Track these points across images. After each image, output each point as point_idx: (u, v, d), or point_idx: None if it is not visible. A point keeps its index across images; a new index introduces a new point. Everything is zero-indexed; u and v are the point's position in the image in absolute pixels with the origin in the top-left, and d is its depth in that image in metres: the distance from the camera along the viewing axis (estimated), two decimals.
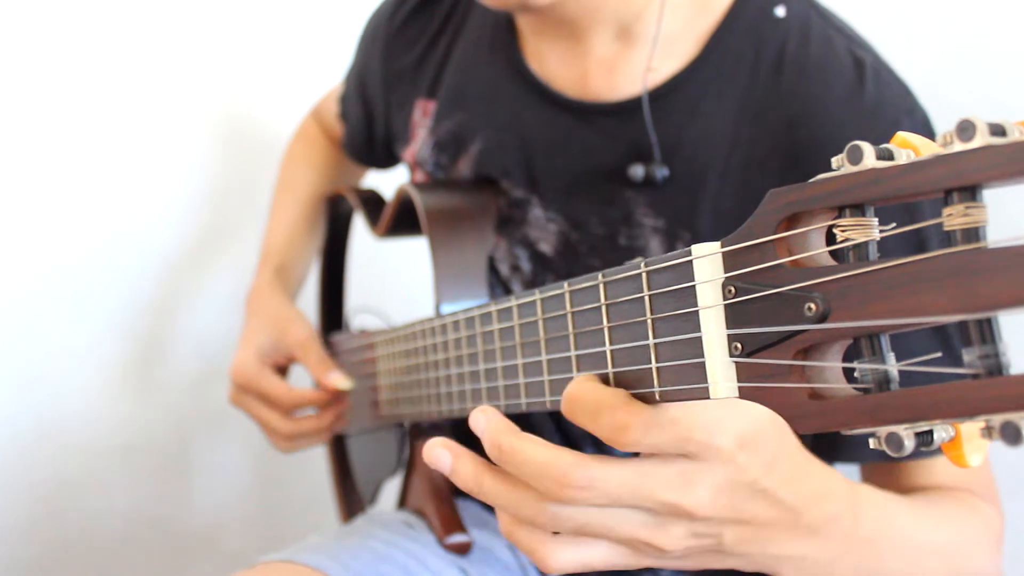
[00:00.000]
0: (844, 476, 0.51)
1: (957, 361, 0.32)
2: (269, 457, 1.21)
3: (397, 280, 1.28)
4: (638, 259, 0.44)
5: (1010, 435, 0.31)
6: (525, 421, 0.52)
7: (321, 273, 1.10)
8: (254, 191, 1.20)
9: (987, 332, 0.32)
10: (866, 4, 0.98)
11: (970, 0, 0.92)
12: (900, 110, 0.66)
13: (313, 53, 1.29)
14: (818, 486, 0.48)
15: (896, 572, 0.54)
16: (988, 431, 0.32)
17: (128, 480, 1.19)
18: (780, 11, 0.71)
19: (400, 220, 0.88)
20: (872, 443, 0.35)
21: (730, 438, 0.42)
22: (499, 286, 0.83)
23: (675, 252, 0.42)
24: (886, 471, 0.67)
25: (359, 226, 1.08)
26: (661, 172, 0.71)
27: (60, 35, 1.14)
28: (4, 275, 1.11)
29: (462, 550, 0.76)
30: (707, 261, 0.40)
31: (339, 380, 0.90)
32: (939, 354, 0.36)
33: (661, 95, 0.72)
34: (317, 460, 1.20)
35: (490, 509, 0.81)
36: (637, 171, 0.71)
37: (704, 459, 0.43)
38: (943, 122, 0.88)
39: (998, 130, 0.32)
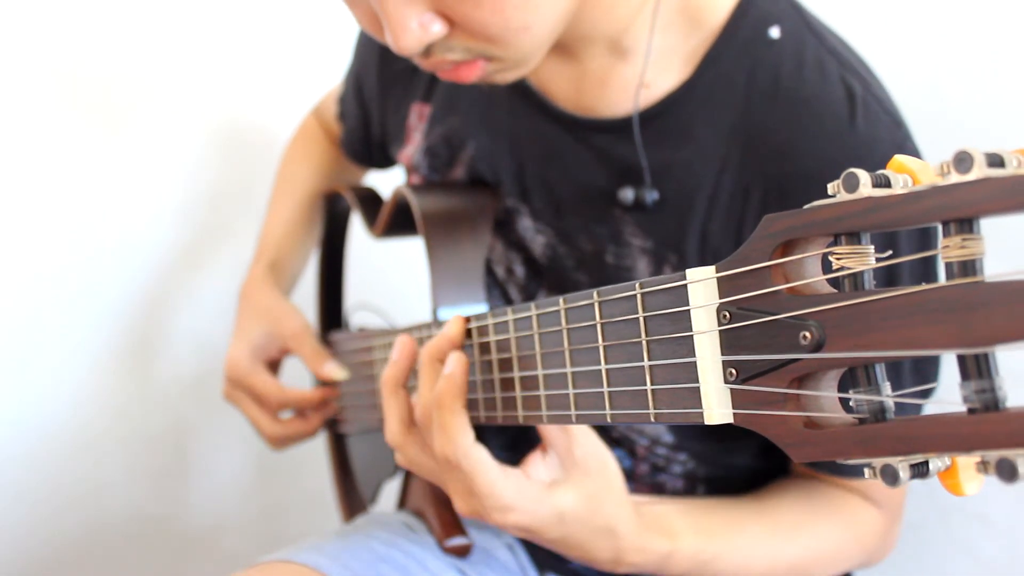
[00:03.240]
0: (667, 547, 0.65)
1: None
2: (269, 457, 1.21)
3: (396, 277, 1.28)
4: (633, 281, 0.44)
5: (1005, 472, 0.31)
6: None
7: (319, 270, 1.10)
8: (252, 190, 1.19)
9: (984, 366, 0.32)
10: (867, 4, 0.97)
11: (970, 0, 0.91)
12: (891, 146, 0.66)
13: (311, 54, 1.28)
14: (616, 556, 0.62)
15: None
16: (983, 465, 0.32)
17: (128, 480, 1.19)
18: (775, 32, 0.69)
19: (397, 221, 0.87)
20: (867, 473, 0.35)
21: (507, 520, 0.59)
22: (496, 288, 0.82)
23: (670, 275, 0.42)
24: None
25: (358, 223, 1.08)
26: (651, 196, 0.70)
27: (60, 36, 1.13)
28: (2, 275, 1.10)
29: (462, 552, 0.76)
30: (702, 286, 0.40)
31: (335, 371, 0.90)
32: (934, 384, 0.36)
33: (653, 116, 0.71)
34: (317, 460, 1.20)
35: None
36: (627, 194, 0.71)
37: (483, 510, 0.60)
38: (944, 121, 0.88)
39: (996, 161, 0.31)
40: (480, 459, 0.58)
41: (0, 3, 1.09)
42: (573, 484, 0.60)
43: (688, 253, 0.70)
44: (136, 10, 1.18)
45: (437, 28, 0.61)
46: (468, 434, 0.58)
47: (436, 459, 0.60)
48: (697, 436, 0.76)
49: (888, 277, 0.62)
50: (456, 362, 0.58)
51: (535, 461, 0.61)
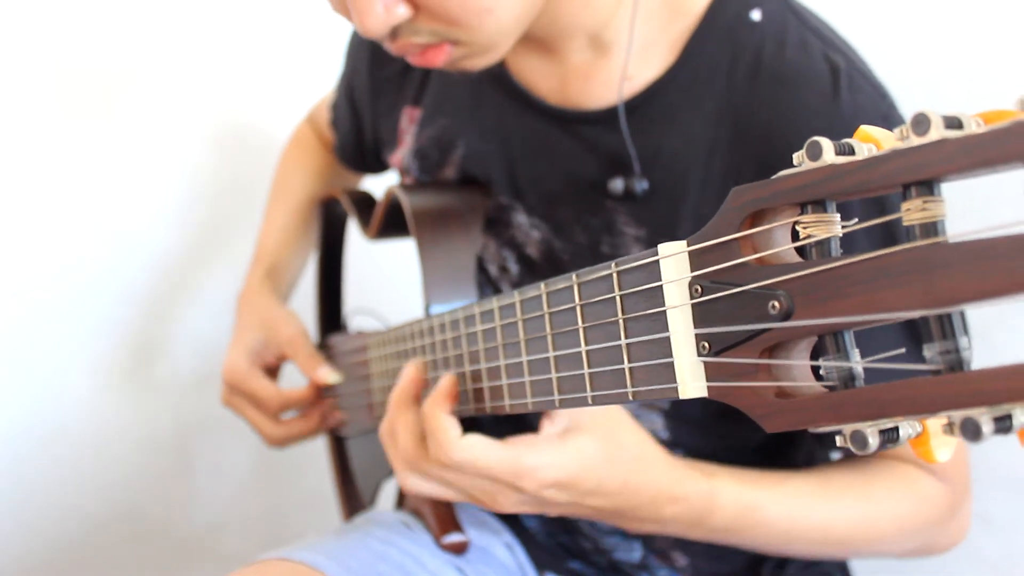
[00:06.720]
0: (706, 487, 0.64)
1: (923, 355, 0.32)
2: (269, 457, 1.21)
3: (395, 280, 1.28)
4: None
5: (970, 431, 0.31)
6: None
7: (318, 275, 1.11)
8: (251, 193, 1.20)
9: (948, 327, 0.32)
10: (867, 4, 0.97)
11: (970, 0, 0.91)
12: (876, 117, 0.66)
13: (308, 57, 1.30)
14: (656, 495, 0.62)
15: (760, 546, 0.69)
16: (950, 427, 0.32)
17: (128, 480, 1.20)
18: (756, 15, 0.70)
19: (390, 222, 0.88)
20: (839, 440, 0.35)
21: (536, 482, 0.58)
22: (488, 286, 0.82)
23: (644, 252, 0.42)
24: None
25: (356, 228, 1.09)
26: (641, 185, 0.71)
27: (60, 37, 1.14)
28: (3, 277, 1.11)
29: (459, 550, 0.76)
30: (673, 260, 0.40)
31: (327, 375, 0.91)
32: (903, 350, 0.36)
33: (638, 105, 0.72)
34: (317, 460, 1.20)
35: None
36: (617, 185, 0.71)
37: (508, 489, 0.60)
38: None
39: (954, 123, 0.31)
40: (472, 445, 0.59)
41: (2, 3, 1.10)
42: (584, 427, 0.60)
43: (683, 238, 0.70)
44: (137, 11, 1.19)
45: (402, 11, 0.62)
46: (453, 429, 0.59)
47: (448, 470, 0.61)
48: (691, 432, 0.76)
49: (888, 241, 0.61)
50: (445, 380, 0.62)
51: (544, 423, 0.61)
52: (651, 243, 0.72)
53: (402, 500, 0.90)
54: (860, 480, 0.69)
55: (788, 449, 0.79)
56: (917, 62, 0.92)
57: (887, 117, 0.66)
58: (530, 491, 0.59)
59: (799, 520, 0.66)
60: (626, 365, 0.44)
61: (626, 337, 0.43)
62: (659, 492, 0.62)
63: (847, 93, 0.66)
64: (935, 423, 0.34)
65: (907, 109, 0.70)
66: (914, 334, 0.62)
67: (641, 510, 0.62)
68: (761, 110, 0.67)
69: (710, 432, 0.76)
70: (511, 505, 0.61)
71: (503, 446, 0.59)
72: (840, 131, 0.65)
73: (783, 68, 0.67)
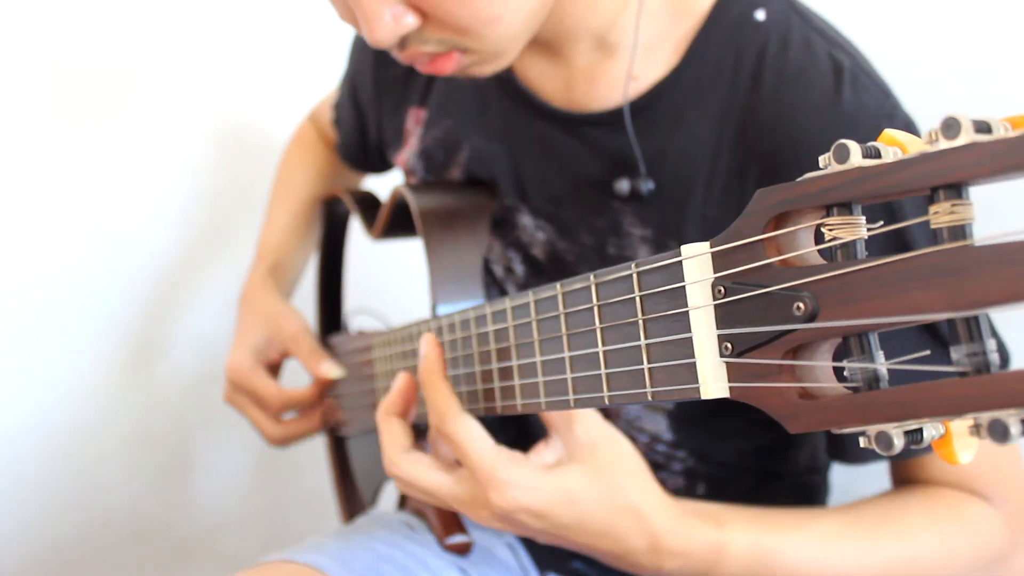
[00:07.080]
0: (714, 537, 0.60)
1: (948, 359, 0.32)
2: (269, 457, 1.21)
3: (395, 281, 1.29)
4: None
5: (998, 433, 0.31)
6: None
7: (319, 275, 1.11)
8: (252, 192, 1.20)
9: (975, 330, 0.32)
10: (868, 4, 0.98)
11: (970, 0, 0.92)
12: (880, 115, 0.66)
13: (310, 56, 1.30)
14: (652, 546, 0.58)
15: None
16: (976, 429, 0.32)
17: (128, 480, 1.20)
18: (760, 15, 0.70)
19: (395, 222, 0.88)
20: (863, 442, 0.35)
21: (503, 499, 0.56)
22: (494, 287, 0.83)
23: (665, 253, 0.42)
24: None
25: (357, 228, 1.09)
26: (647, 186, 0.71)
27: (60, 38, 1.14)
28: (3, 276, 1.11)
29: (462, 551, 0.76)
30: (696, 262, 0.40)
31: (331, 369, 0.91)
32: (927, 352, 0.36)
33: (644, 106, 0.72)
34: (317, 461, 1.20)
35: None
36: (623, 185, 0.71)
37: (479, 500, 0.58)
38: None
39: (983, 127, 0.32)
40: (469, 427, 0.58)
41: (1, 4, 1.10)
42: (579, 461, 0.58)
43: (688, 239, 0.71)
44: (137, 12, 1.19)
45: (410, 20, 0.62)
46: (454, 404, 0.59)
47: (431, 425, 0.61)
48: (696, 433, 0.76)
49: (899, 246, 0.59)
50: (427, 344, 0.63)
51: (539, 449, 0.60)
52: (658, 243, 0.73)
53: (404, 501, 0.90)
54: (896, 514, 0.64)
55: (790, 450, 0.79)
56: (918, 63, 0.93)
57: (891, 116, 0.67)
58: (499, 507, 0.57)
59: (826, 565, 0.61)
60: (645, 366, 0.44)
61: (646, 338, 0.43)
62: (657, 543, 0.58)
63: (850, 92, 0.66)
64: (959, 424, 0.35)
65: (909, 110, 0.71)
66: (936, 336, 0.62)
67: (635, 556, 0.59)
68: (765, 109, 0.68)
69: (714, 434, 0.76)
70: (487, 519, 0.59)
71: (494, 447, 0.58)
72: (843, 129, 0.65)
73: (787, 67, 0.68)
